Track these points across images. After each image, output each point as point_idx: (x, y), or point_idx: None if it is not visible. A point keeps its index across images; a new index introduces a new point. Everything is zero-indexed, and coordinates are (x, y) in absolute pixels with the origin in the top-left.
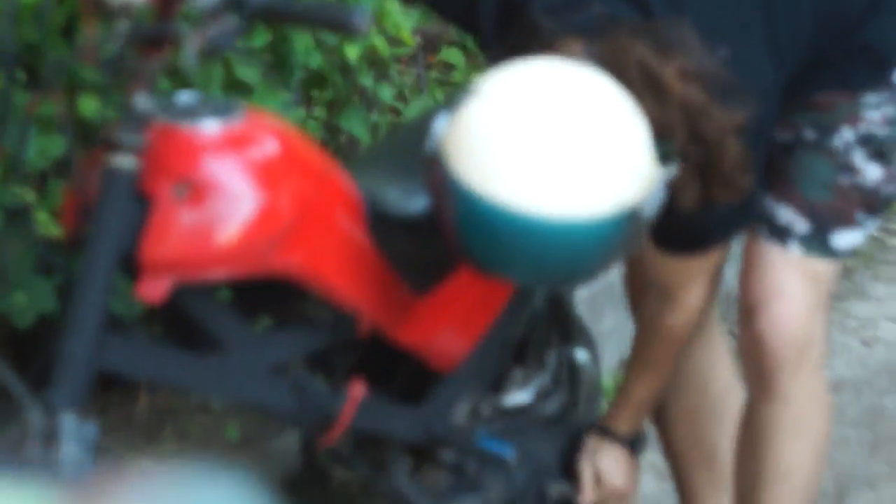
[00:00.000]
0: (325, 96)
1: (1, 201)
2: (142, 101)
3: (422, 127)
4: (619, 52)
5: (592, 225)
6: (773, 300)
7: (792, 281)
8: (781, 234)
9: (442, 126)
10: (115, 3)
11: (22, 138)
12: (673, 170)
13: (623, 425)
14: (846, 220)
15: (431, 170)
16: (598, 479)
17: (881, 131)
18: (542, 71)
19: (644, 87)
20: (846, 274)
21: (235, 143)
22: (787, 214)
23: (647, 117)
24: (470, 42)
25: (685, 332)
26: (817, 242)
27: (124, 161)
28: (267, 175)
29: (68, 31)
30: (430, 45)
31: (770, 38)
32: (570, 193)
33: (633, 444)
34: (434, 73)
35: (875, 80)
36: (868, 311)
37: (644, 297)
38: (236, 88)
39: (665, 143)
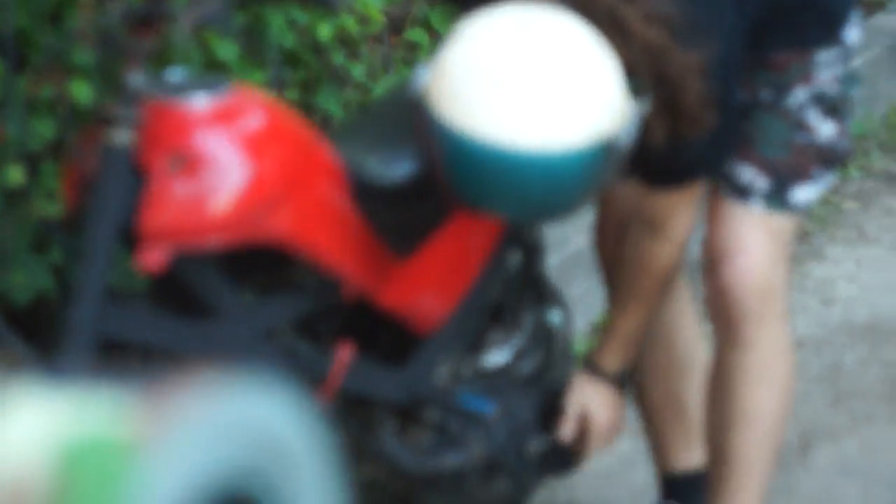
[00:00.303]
0: (298, 76)
1: None
2: (135, 79)
3: (396, 98)
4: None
5: (570, 156)
6: (736, 252)
7: (754, 235)
8: (744, 192)
9: (424, 74)
10: None
11: (23, 121)
12: (645, 105)
13: (610, 361)
14: (804, 176)
15: (416, 114)
16: (584, 416)
17: (832, 89)
18: (516, 14)
19: (611, 29)
20: (804, 237)
21: (224, 117)
22: (748, 173)
23: (616, 58)
24: (435, 21)
25: (672, 264)
26: (777, 198)
27: (121, 136)
28: (255, 146)
29: (56, 17)
30: (395, 25)
31: None
32: (546, 126)
33: (621, 380)
34: (399, 53)
35: (826, 37)
36: (825, 273)
37: (626, 235)
38: (214, 68)
39: (634, 80)
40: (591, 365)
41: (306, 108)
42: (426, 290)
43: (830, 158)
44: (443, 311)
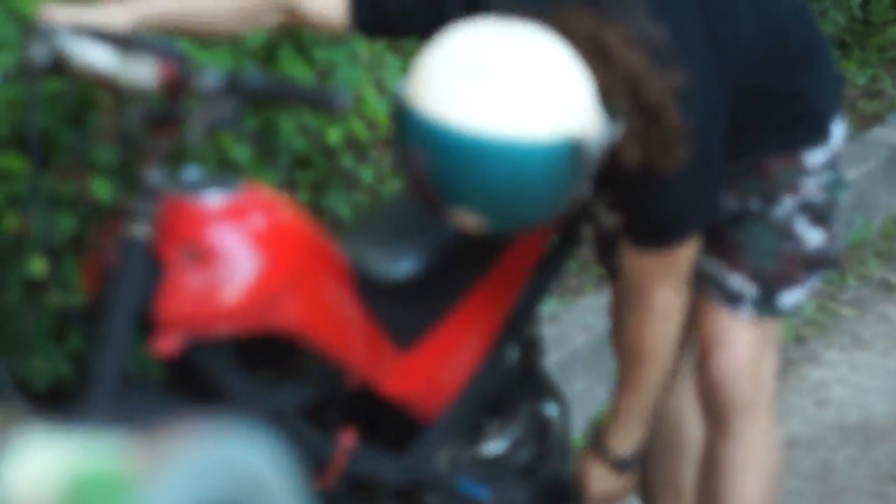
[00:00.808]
0: (308, 178)
1: (21, 274)
2: (152, 176)
3: (400, 200)
4: (568, 23)
5: (536, 147)
6: (724, 348)
7: (741, 332)
8: (733, 299)
9: (405, 82)
10: (128, 88)
11: (46, 216)
12: (620, 127)
13: (615, 442)
14: (792, 282)
15: (395, 117)
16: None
17: (818, 198)
18: (491, 21)
19: (591, 54)
20: (800, 342)
21: (237, 213)
22: (738, 281)
23: (595, 82)
24: None
25: (659, 344)
26: (766, 304)
27: (139, 230)
28: (264, 241)
29: (78, 118)
30: None
31: (708, 29)
32: (514, 116)
33: (623, 462)
34: None
35: (813, 135)
36: (820, 375)
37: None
38: (228, 168)
39: (611, 102)
40: (596, 442)
41: (316, 208)
42: (427, 380)
43: (817, 263)
44: (442, 402)
